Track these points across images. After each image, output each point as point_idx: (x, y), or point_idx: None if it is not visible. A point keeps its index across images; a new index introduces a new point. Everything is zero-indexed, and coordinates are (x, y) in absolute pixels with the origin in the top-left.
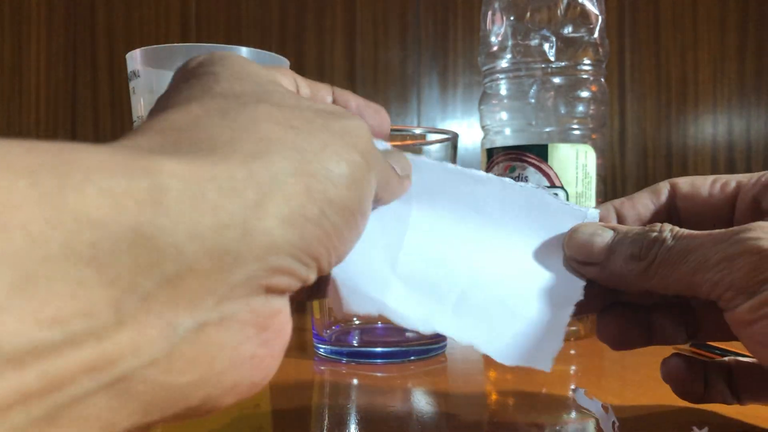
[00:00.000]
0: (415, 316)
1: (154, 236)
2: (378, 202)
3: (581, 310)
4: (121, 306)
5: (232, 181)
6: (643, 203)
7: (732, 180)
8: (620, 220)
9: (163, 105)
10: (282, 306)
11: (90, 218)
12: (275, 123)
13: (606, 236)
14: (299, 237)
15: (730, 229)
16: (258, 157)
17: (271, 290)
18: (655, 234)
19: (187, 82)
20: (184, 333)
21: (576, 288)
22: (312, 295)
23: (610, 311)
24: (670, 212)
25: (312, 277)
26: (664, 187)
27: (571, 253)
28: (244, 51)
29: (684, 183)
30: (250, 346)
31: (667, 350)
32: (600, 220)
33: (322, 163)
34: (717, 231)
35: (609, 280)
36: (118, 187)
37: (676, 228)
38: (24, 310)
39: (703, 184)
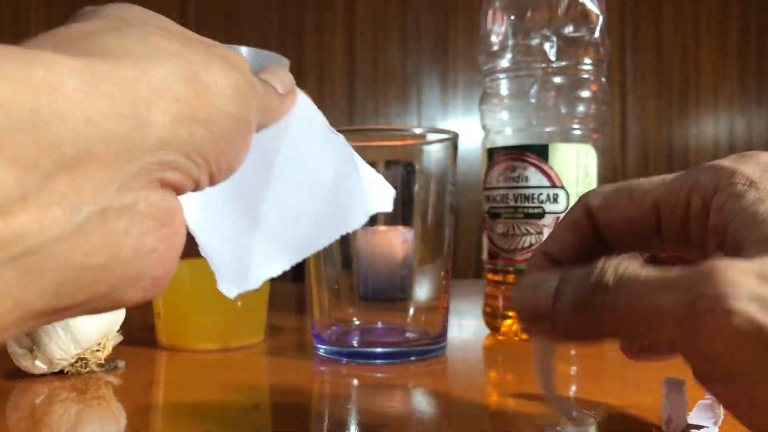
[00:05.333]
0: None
1: (52, 120)
2: (260, 126)
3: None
4: (24, 183)
5: (124, 78)
6: (568, 239)
7: (648, 196)
8: (555, 263)
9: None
10: (176, 203)
11: None
12: (163, 38)
13: (549, 285)
14: (188, 135)
15: (688, 273)
16: (149, 61)
17: (166, 185)
18: (594, 279)
19: (72, 17)
20: (87, 215)
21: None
22: (186, 254)
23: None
24: (596, 236)
25: (203, 180)
26: (581, 216)
27: (519, 314)
28: (243, 50)
29: (599, 206)
30: (151, 239)
31: None
32: (534, 271)
33: (209, 74)
34: (671, 273)
35: (562, 336)
36: (15, 73)
37: (623, 266)
38: None
39: (618, 205)
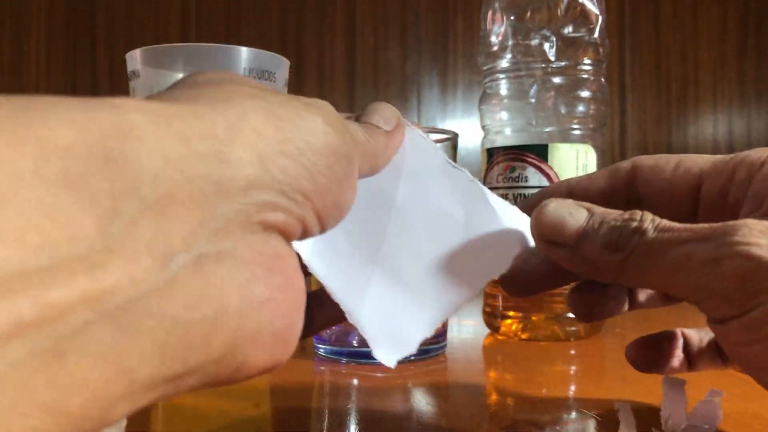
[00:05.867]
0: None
1: (126, 161)
2: (372, 169)
3: (542, 286)
4: (106, 230)
5: (196, 115)
6: (600, 184)
7: (696, 166)
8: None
9: None
10: (284, 249)
11: (56, 144)
12: (238, 84)
13: (579, 217)
14: (280, 170)
15: (717, 226)
16: (223, 101)
17: (268, 227)
18: (635, 224)
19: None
20: (183, 263)
21: (469, 285)
22: (311, 329)
23: (581, 288)
24: (629, 194)
25: (310, 220)
26: (624, 168)
27: (540, 231)
28: (244, 51)
29: (647, 164)
30: (262, 287)
31: None
32: (552, 196)
33: (289, 110)
34: (702, 226)
35: (579, 266)
36: (78, 116)
37: (658, 218)
38: (4, 236)
39: (666, 167)
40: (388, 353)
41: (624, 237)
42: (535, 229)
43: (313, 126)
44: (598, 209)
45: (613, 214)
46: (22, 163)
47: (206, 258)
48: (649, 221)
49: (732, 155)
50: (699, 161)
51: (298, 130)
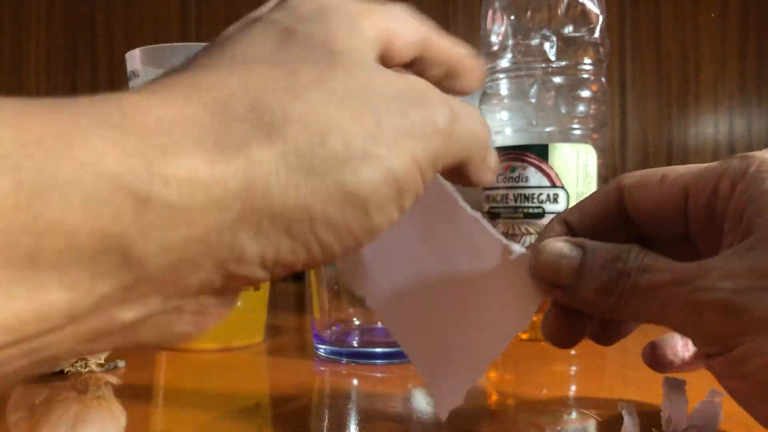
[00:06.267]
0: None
1: (123, 247)
2: (464, 178)
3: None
4: (74, 308)
5: (224, 191)
6: (592, 212)
7: (680, 179)
8: (572, 231)
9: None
10: (230, 297)
11: (65, 226)
12: (308, 120)
13: (574, 258)
14: (271, 249)
15: (692, 267)
16: (266, 162)
17: (224, 291)
18: (620, 265)
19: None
20: (123, 323)
21: (505, 331)
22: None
23: (553, 311)
24: (621, 214)
25: (276, 278)
26: (611, 190)
27: (539, 273)
28: None
29: (631, 184)
30: (183, 325)
31: None
32: (552, 233)
33: (339, 172)
34: (681, 267)
35: (579, 305)
36: (102, 194)
37: (642, 254)
38: None
39: (650, 184)
40: (444, 409)
41: (612, 282)
42: (534, 273)
43: (351, 199)
44: (590, 246)
45: (603, 252)
46: (23, 242)
47: (150, 316)
48: (633, 260)
49: (717, 164)
50: (684, 174)
51: (326, 204)
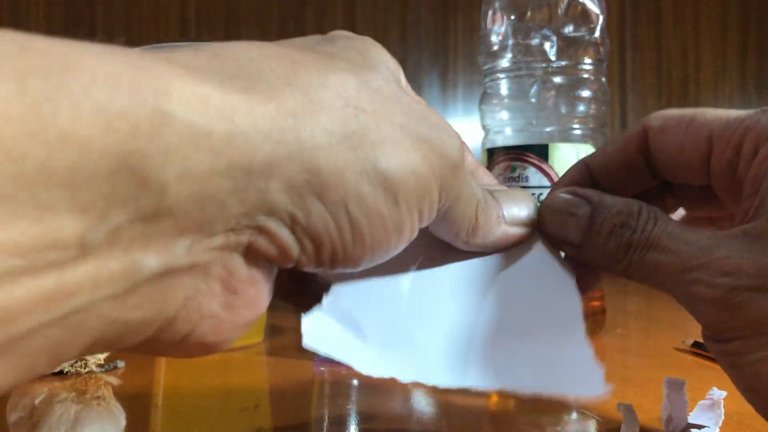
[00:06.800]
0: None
1: (140, 168)
2: (460, 238)
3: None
4: (87, 236)
5: (252, 126)
6: (616, 156)
7: (706, 126)
8: (593, 176)
9: None
10: (260, 278)
11: (77, 137)
12: (342, 94)
13: (581, 214)
14: (302, 210)
15: (695, 251)
16: (299, 116)
17: (252, 253)
18: (627, 235)
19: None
20: (148, 271)
21: (572, 307)
22: (292, 296)
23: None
24: (646, 158)
25: (304, 261)
26: (636, 135)
27: (546, 230)
28: None
29: (657, 127)
30: (212, 303)
31: (668, 350)
32: (567, 179)
33: (372, 149)
34: (685, 248)
35: (589, 263)
36: (115, 105)
37: (651, 223)
38: None
39: (677, 128)
40: (593, 389)
41: (621, 252)
42: (544, 226)
43: (380, 180)
44: (597, 201)
45: (611, 214)
46: (33, 153)
47: (174, 270)
48: (641, 230)
49: (746, 115)
50: (712, 122)
51: (359, 180)
